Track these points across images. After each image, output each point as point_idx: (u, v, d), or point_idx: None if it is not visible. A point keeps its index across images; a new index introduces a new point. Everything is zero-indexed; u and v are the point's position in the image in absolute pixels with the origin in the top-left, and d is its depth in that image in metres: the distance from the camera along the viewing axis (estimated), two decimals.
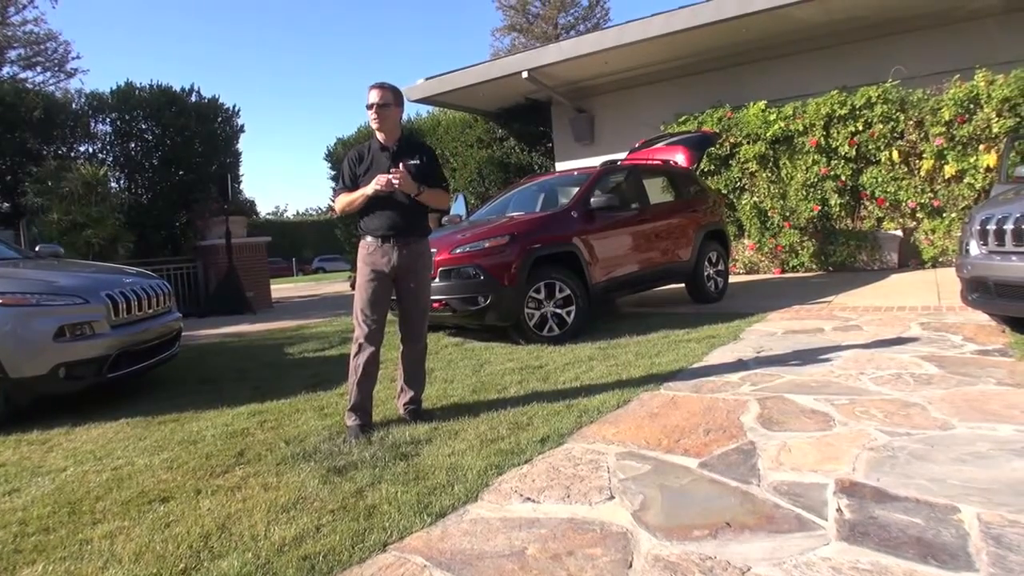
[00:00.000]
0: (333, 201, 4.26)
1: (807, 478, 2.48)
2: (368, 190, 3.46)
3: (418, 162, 3.57)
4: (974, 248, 4.64)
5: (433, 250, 5.77)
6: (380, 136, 3.61)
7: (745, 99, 10.68)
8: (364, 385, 3.54)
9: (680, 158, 8.15)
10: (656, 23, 10.11)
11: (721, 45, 10.61)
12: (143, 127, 12.83)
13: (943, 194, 9.11)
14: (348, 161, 3.69)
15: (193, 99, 13.44)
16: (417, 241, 3.65)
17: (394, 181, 3.36)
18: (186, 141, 12.90)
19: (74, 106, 12.72)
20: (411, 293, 3.67)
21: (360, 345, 3.57)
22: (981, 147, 8.70)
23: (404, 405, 3.75)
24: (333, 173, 15.88)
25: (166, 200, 12.69)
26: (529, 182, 8.20)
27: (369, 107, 3.52)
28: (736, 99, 10.81)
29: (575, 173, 7.74)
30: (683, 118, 11.15)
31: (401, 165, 3.44)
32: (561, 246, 5.99)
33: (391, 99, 3.53)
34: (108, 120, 12.71)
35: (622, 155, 9.03)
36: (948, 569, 1.80)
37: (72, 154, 12.20)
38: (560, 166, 13.06)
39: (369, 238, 3.61)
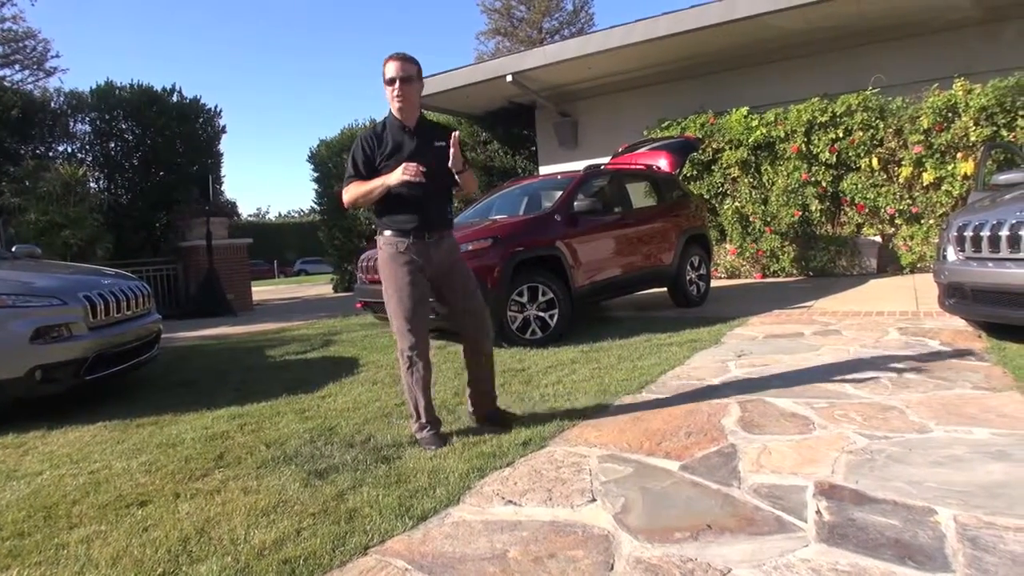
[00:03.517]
0: (338, 194, 3.81)
1: (787, 481, 2.50)
2: (391, 180, 3.04)
3: (444, 144, 3.16)
4: (951, 254, 4.70)
5: None
6: (401, 116, 3.17)
7: (728, 105, 10.76)
8: (427, 397, 3.27)
9: (663, 163, 8.20)
10: (640, 29, 10.17)
11: (704, 51, 10.69)
12: (123, 127, 12.72)
13: (921, 201, 9.23)
14: (362, 146, 3.22)
15: (174, 99, 13.35)
16: (450, 233, 3.34)
17: (423, 169, 2.98)
18: (167, 141, 12.80)
19: (53, 105, 12.59)
20: (458, 289, 3.30)
21: (410, 359, 3.20)
22: (959, 155, 8.82)
23: (479, 410, 3.45)
24: (316, 175, 15.78)
25: (146, 201, 12.57)
26: (513, 185, 8.21)
27: (390, 82, 3.08)
28: (719, 105, 10.90)
29: (558, 177, 7.76)
30: (666, 123, 11.21)
31: (452, 139, 3.07)
32: (544, 249, 6.00)
33: (414, 72, 3.11)
34: (87, 119, 12.59)
35: (605, 159, 9.06)
36: (925, 570, 1.82)
37: (50, 153, 12.09)
38: (544, 170, 13.08)
39: (393, 234, 3.20)
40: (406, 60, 3.10)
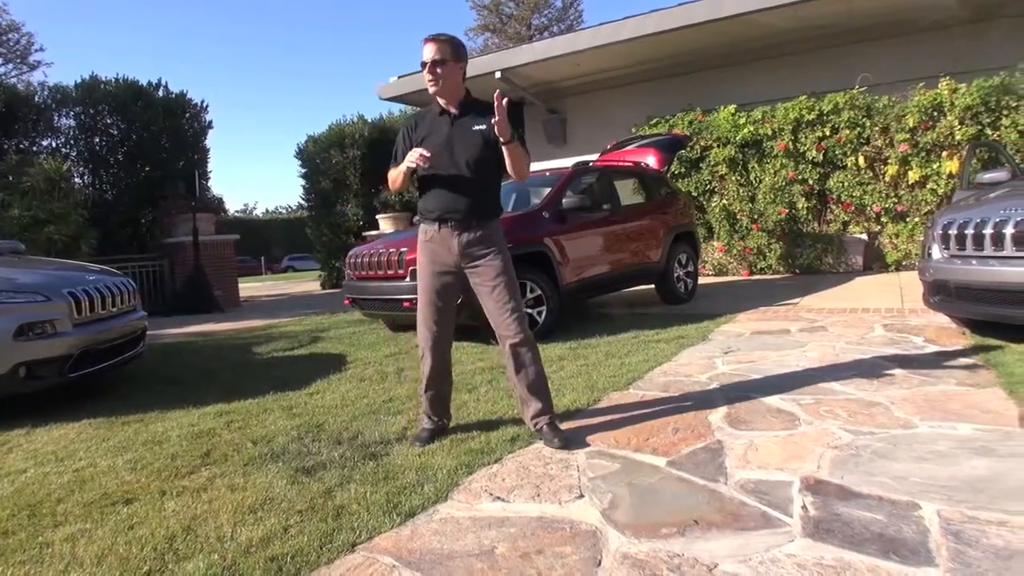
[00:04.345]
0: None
1: (773, 476, 2.52)
2: (402, 167, 3.02)
3: (484, 127, 2.98)
4: (936, 252, 4.74)
5: (404, 249, 5.79)
6: (440, 100, 3.08)
7: (716, 103, 10.81)
8: (432, 391, 3.21)
9: (651, 160, 8.22)
10: (628, 26, 10.19)
11: (692, 49, 10.73)
12: (108, 122, 12.60)
13: (907, 199, 9.31)
14: (402, 132, 3.19)
15: (160, 94, 13.23)
16: (486, 224, 3.09)
17: (426, 154, 2.90)
18: (153, 137, 12.68)
19: (37, 99, 12.46)
20: (486, 287, 3.09)
21: (422, 351, 3.17)
22: (944, 154, 8.91)
23: (531, 420, 3.14)
24: (304, 171, 15.71)
25: (132, 196, 12.45)
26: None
27: (423, 65, 2.97)
28: (707, 103, 10.94)
29: (547, 174, 7.75)
30: (654, 121, 11.25)
31: (496, 105, 2.81)
32: (532, 246, 6.00)
33: (449, 54, 2.96)
34: (72, 114, 12.47)
35: (594, 156, 9.08)
36: (909, 564, 1.84)
37: (34, 148, 11.96)
38: (532, 167, 13.04)
39: (425, 223, 3.12)
40: (440, 41, 2.96)
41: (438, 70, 2.96)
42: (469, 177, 3.01)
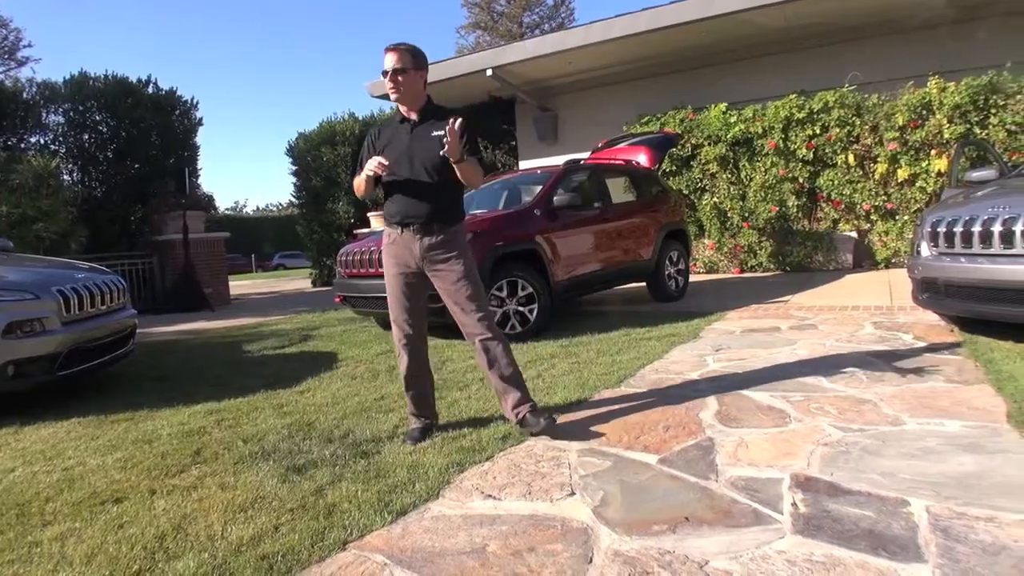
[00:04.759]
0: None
1: (763, 473, 2.53)
2: (363, 174, 3.10)
3: (443, 133, 2.98)
4: (925, 250, 4.77)
5: None
6: (402, 108, 3.17)
7: (707, 101, 10.82)
8: (412, 390, 3.28)
9: (642, 158, 8.22)
10: (620, 24, 10.19)
11: (683, 47, 10.74)
12: (97, 118, 12.51)
13: (896, 197, 9.35)
14: (366, 141, 3.28)
15: (150, 90, 13.15)
16: (447, 229, 3.14)
17: (383, 162, 2.98)
18: (142, 133, 12.61)
19: (25, 95, 12.34)
20: (449, 290, 3.16)
21: (398, 350, 3.27)
22: (933, 152, 8.95)
23: (512, 410, 3.19)
24: (294, 168, 15.65)
25: (121, 194, 12.38)
26: (492, 180, 8.19)
27: (384, 74, 3.05)
28: (698, 101, 10.96)
29: (538, 172, 7.76)
30: (645, 119, 11.26)
31: (449, 127, 2.87)
32: (524, 244, 6.00)
33: (409, 63, 3.03)
34: (61, 110, 12.37)
35: (585, 154, 9.08)
36: (898, 560, 1.85)
37: (22, 145, 11.86)
38: (523, 164, 13.07)
39: (389, 227, 3.21)
40: (399, 51, 3.03)
41: (399, 78, 3.04)
42: (429, 182, 3.08)
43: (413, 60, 3.06)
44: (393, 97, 3.11)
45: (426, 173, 3.07)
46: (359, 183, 3.18)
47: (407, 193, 3.11)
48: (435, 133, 3.06)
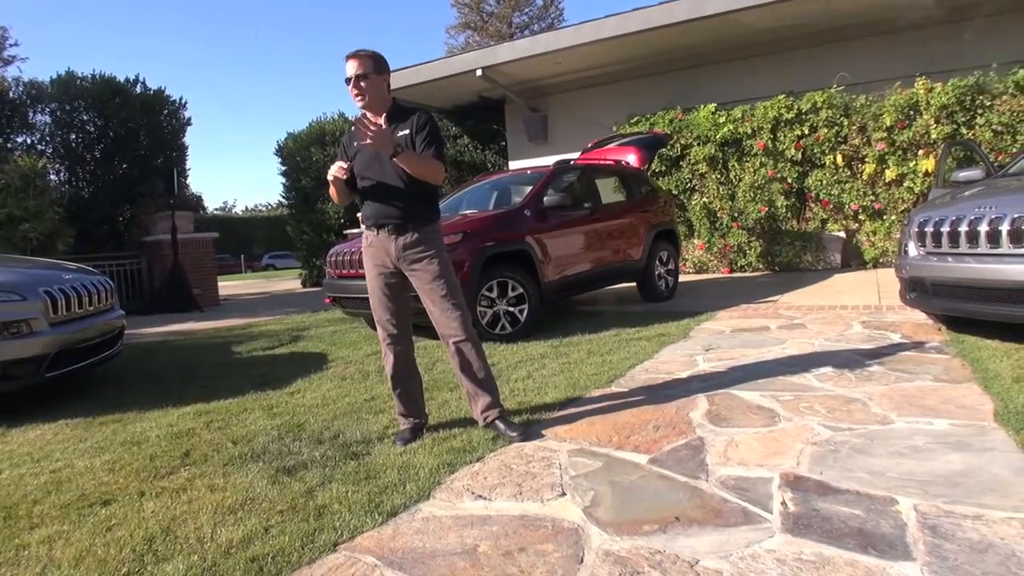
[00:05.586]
0: None
1: (753, 473, 2.54)
2: (329, 178, 3.15)
3: (407, 132, 3.06)
4: (912, 249, 4.80)
5: None
6: (368, 114, 3.16)
7: (696, 101, 10.87)
8: (399, 389, 3.29)
9: (632, 159, 8.24)
10: (610, 24, 10.21)
11: (673, 48, 10.78)
12: (85, 118, 12.45)
13: (884, 197, 9.42)
14: (340, 147, 3.32)
15: (138, 90, 13.10)
16: (421, 229, 3.13)
17: (343, 166, 3.08)
18: (130, 133, 12.55)
19: (11, 95, 12.25)
20: (425, 289, 3.17)
21: (383, 351, 3.31)
22: (920, 152, 9.02)
23: (481, 414, 3.25)
24: (284, 169, 15.59)
25: (109, 194, 12.31)
26: (482, 180, 8.19)
27: (347, 81, 3.05)
28: (687, 101, 10.99)
29: (528, 172, 7.76)
30: (635, 119, 11.29)
31: (356, 120, 2.93)
32: (514, 244, 6.00)
33: (370, 68, 3.04)
34: (48, 110, 12.31)
35: (575, 155, 9.09)
36: (887, 558, 1.86)
37: (8, 145, 11.76)
38: (513, 165, 13.08)
39: (366, 229, 3.24)
40: (359, 57, 3.04)
41: (362, 84, 3.04)
42: (400, 184, 3.09)
43: (374, 64, 3.06)
44: (359, 104, 3.11)
45: (396, 175, 3.07)
46: (332, 191, 3.23)
47: (379, 195, 3.14)
48: (400, 134, 3.08)
